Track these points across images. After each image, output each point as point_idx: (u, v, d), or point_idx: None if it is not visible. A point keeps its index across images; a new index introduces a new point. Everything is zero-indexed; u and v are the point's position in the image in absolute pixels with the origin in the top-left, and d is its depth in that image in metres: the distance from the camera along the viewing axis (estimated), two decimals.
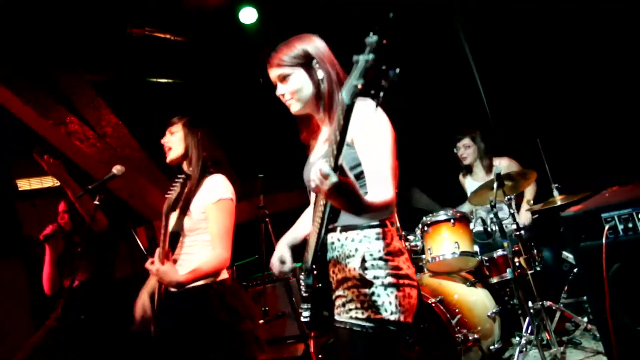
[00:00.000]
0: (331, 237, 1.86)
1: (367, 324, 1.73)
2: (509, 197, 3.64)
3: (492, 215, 3.64)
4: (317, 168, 1.45)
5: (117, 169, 3.00)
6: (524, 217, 4.26)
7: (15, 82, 4.71)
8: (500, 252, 3.80)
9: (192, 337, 2.52)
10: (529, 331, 3.60)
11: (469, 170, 4.56)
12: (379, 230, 1.82)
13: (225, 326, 2.51)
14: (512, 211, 3.60)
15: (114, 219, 3.96)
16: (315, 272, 1.83)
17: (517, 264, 3.65)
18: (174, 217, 2.67)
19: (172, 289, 2.54)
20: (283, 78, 1.94)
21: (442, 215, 3.77)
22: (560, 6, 4.31)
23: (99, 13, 4.85)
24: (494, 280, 3.83)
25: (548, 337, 3.55)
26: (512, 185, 3.82)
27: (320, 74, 1.90)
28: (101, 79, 5.56)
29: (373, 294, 1.74)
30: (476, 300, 3.68)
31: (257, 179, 4.01)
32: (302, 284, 1.96)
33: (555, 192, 3.73)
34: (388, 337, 1.74)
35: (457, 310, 3.50)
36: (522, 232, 3.59)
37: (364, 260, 1.77)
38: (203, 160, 2.73)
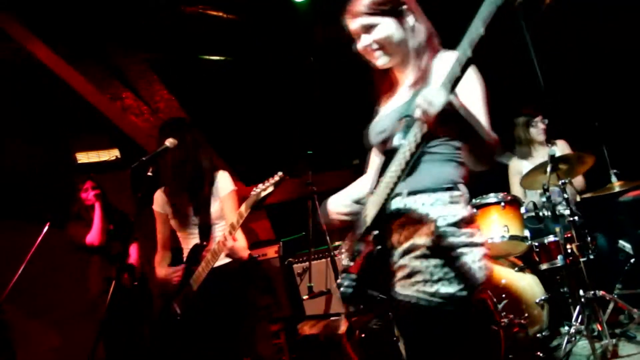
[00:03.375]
0: (395, 203, 1.65)
1: (436, 299, 1.55)
2: (563, 181, 3.51)
3: (544, 200, 3.53)
4: (423, 91, 1.33)
5: (170, 142, 3.03)
6: (579, 183, 4.12)
7: (76, 59, 4.91)
8: (551, 238, 3.69)
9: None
10: (579, 321, 3.50)
11: (527, 153, 4.34)
12: (453, 193, 1.65)
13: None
14: (566, 196, 3.48)
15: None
16: (373, 237, 1.66)
17: (569, 250, 3.54)
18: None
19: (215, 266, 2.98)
20: (368, 28, 1.72)
21: (492, 197, 3.68)
22: None
23: None
24: (544, 266, 3.72)
25: (599, 329, 3.43)
26: (567, 169, 3.68)
27: (410, 23, 1.72)
28: (155, 56, 5.70)
29: (444, 264, 1.56)
30: (524, 286, 3.59)
31: (306, 156, 4.02)
32: (348, 252, 1.82)
33: (614, 178, 3.59)
34: (458, 312, 1.57)
35: (504, 295, 3.43)
36: (576, 218, 3.46)
37: (437, 227, 1.58)
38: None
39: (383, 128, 1.77)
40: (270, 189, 2.77)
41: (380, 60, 1.76)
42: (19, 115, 5.35)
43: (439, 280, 1.56)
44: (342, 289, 1.77)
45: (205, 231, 3.07)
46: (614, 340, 3.42)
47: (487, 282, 1.64)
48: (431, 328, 1.59)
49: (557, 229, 3.45)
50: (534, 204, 3.75)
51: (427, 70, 1.68)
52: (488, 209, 3.67)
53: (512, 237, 3.56)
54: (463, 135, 1.46)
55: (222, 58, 6.31)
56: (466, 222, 1.63)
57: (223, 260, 3.05)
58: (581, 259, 3.50)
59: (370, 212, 1.69)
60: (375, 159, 1.98)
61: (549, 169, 3.47)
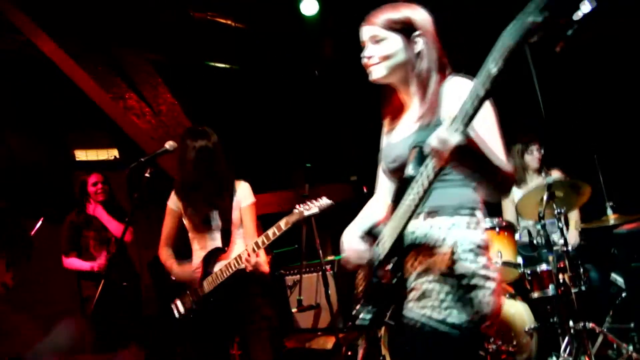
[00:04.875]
0: (412, 226, 1.65)
1: (442, 327, 1.54)
2: (558, 210, 3.51)
3: (539, 228, 3.53)
4: (437, 131, 1.33)
5: (169, 145, 3.05)
6: (573, 237, 4.09)
7: (82, 56, 4.91)
8: (544, 267, 3.68)
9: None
10: (567, 352, 3.47)
11: (520, 180, 4.36)
12: (469, 219, 1.64)
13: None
14: (560, 225, 3.48)
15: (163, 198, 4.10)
16: (390, 266, 1.67)
17: (561, 280, 3.53)
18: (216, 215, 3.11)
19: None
20: (377, 40, 1.75)
21: (487, 222, 3.67)
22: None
23: None
24: (535, 295, 3.71)
25: None
26: (563, 197, 3.68)
27: (418, 48, 1.73)
28: (161, 59, 5.72)
29: (456, 292, 1.56)
30: (514, 314, 3.57)
31: (304, 169, 4.03)
32: (363, 282, 1.81)
33: (609, 211, 3.59)
34: (462, 343, 1.55)
35: None
36: (570, 248, 3.46)
37: (453, 252, 1.58)
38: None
39: (394, 157, 1.77)
40: (315, 211, 2.74)
41: (376, 73, 1.77)
42: (20, 107, 5.35)
43: (448, 308, 1.55)
44: (358, 321, 1.76)
45: (227, 237, 3.07)
46: None
47: (494, 319, 1.60)
48: (432, 353, 1.57)
49: (550, 258, 3.45)
50: (529, 231, 3.75)
51: (434, 104, 1.68)
52: None
53: (505, 263, 3.54)
54: (477, 169, 1.46)
55: (227, 66, 6.34)
56: (483, 249, 1.62)
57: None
58: (573, 290, 3.49)
59: (387, 241, 1.70)
60: (385, 183, 1.97)
61: (545, 197, 3.48)
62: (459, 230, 1.62)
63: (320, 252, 3.89)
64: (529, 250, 3.70)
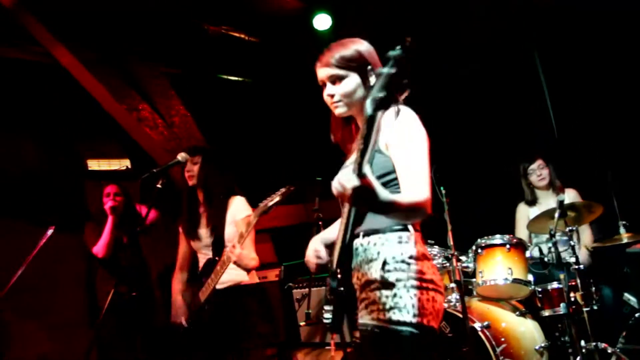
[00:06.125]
0: (355, 243, 1.88)
1: (390, 326, 1.73)
2: (570, 228, 3.49)
3: (550, 245, 3.50)
4: (339, 176, 1.50)
5: (181, 156, 3.10)
6: (584, 256, 4.05)
7: (97, 67, 4.98)
8: (555, 285, 3.64)
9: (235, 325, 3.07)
10: None
11: (533, 201, 4.32)
12: (401, 234, 1.83)
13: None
14: (572, 243, 3.45)
15: (173, 209, 4.11)
16: (339, 276, 1.81)
17: (572, 299, 3.49)
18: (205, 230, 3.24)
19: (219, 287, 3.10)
20: (334, 79, 1.92)
21: (497, 239, 3.66)
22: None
23: (179, 7, 5.06)
24: (546, 313, 3.67)
25: None
26: (575, 216, 3.66)
27: (372, 80, 1.85)
28: (174, 71, 5.79)
29: (395, 295, 1.74)
30: (524, 332, 3.54)
31: (315, 182, 4.03)
32: (328, 286, 1.95)
33: (622, 230, 3.55)
34: (409, 339, 1.72)
35: (502, 339, 3.38)
36: (582, 266, 3.42)
37: (385, 263, 1.78)
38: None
39: None
40: (277, 199, 2.87)
41: (339, 110, 1.95)
42: (34, 116, 5.41)
43: (391, 308, 1.74)
44: (325, 320, 1.89)
45: (218, 248, 3.16)
46: None
47: (435, 314, 1.77)
48: (386, 351, 1.75)
49: (562, 276, 3.41)
50: (540, 249, 3.72)
51: (377, 132, 1.79)
52: (493, 250, 3.65)
53: (515, 280, 3.52)
54: (378, 209, 1.64)
55: (240, 79, 6.40)
56: (415, 259, 1.80)
57: (235, 279, 3.14)
58: (584, 309, 3.45)
59: (335, 254, 1.84)
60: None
61: (556, 215, 3.46)
62: (390, 245, 1.81)
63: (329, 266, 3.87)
64: (539, 267, 3.67)
